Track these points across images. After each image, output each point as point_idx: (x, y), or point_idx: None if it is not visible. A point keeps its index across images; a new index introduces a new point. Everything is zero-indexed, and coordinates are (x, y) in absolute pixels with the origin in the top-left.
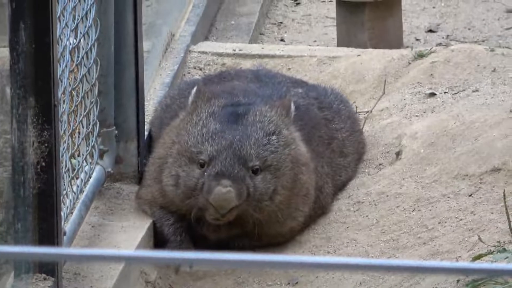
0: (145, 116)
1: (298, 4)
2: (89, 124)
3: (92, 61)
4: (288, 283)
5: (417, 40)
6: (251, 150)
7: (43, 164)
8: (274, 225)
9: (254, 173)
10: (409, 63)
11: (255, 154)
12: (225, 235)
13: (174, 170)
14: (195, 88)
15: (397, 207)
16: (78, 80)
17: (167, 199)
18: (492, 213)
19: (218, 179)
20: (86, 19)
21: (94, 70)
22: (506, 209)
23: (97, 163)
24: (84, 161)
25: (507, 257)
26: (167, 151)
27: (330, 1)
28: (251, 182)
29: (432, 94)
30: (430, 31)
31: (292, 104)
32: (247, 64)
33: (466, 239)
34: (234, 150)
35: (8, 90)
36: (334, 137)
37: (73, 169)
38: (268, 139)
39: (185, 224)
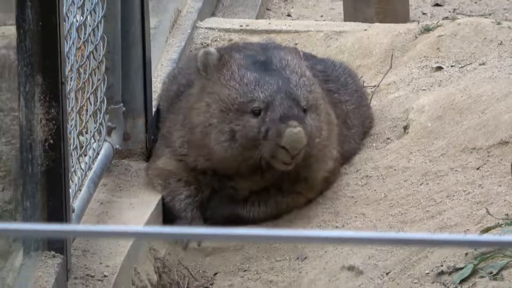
0: (152, 92)
1: None
2: (97, 101)
3: (99, 38)
4: (297, 258)
5: (423, 14)
6: (298, 92)
7: (51, 141)
8: (316, 166)
9: (304, 113)
10: (416, 37)
11: (302, 95)
12: (257, 187)
13: (226, 127)
14: (201, 51)
15: (405, 181)
16: (85, 57)
17: (215, 160)
18: (500, 186)
19: (285, 121)
20: None
21: (101, 47)
22: None
23: (105, 140)
24: (92, 138)
25: None
26: (205, 116)
27: None
28: (307, 121)
29: (439, 68)
30: (437, 5)
31: (298, 50)
32: (254, 40)
33: (474, 213)
34: (286, 93)
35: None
36: (337, 107)
37: (81, 146)
38: (303, 81)
39: (197, 200)
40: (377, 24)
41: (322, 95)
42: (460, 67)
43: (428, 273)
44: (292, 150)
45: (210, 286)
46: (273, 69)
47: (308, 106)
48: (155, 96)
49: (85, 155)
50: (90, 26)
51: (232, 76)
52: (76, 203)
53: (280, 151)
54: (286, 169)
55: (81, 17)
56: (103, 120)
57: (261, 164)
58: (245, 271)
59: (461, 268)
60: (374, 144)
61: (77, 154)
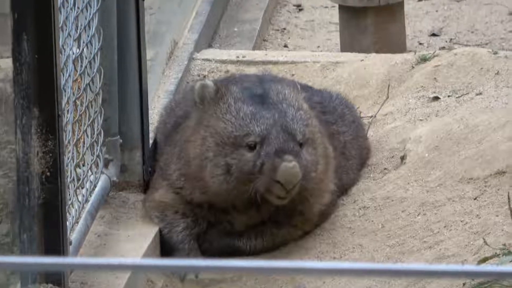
0: (149, 124)
1: (301, 10)
2: (94, 133)
3: (95, 70)
4: None
5: (420, 44)
6: (294, 126)
7: (48, 174)
8: (312, 200)
9: (300, 147)
10: (413, 67)
11: (298, 129)
12: (253, 222)
13: (222, 161)
14: (198, 84)
15: (403, 211)
16: (82, 89)
17: (211, 193)
18: (497, 216)
19: (280, 155)
20: (89, 28)
21: (98, 79)
22: (511, 211)
23: (102, 172)
24: (89, 171)
25: None
26: (201, 149)
27: (333, 7)
28: (303, 155)
29: (436, 98)
30: (433, 35)
31: (296, 83)
32: (250, 71)
33: (471, 243)
34: (282, 127)
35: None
36: (335, 139)
37: (78, 179)
38: (300, 114)
39: (194, 232)
40: (374, 54)
41: (319, 129)
42: (457, 97)
43: None
44: (287, 185)
45: None
46: (269, 103)
47: (304, 140)
48: (152, 128)
49: (82, 188)
50: (86, 58)
51: (228, 110)
52: (73, 236)
53: (275, 186)
54: (281, 203)
55: (78, 50)
56: (100, 152)
57: (256, 198)
58: None
59: None
60: (371, 175)
61: (74, 186)
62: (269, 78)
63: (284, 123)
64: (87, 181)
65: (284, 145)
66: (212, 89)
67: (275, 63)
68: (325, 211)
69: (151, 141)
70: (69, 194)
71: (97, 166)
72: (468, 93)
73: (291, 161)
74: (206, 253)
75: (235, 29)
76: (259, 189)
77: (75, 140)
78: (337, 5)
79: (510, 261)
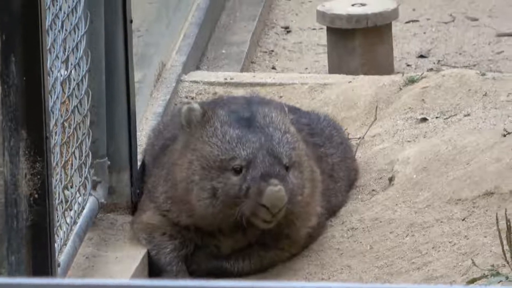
0: (137, 146)
1: (289, 32)
2: (82, 155)
3: (83, 92)
4: None
5: (408, 65)
6: (280, 149)
7: (36, 196)
8: (298, 223)
9: (286, 171)
10: (400, 89)
11: (284, 152)
12: (240, 245)
13: (208, 184)
14: (185, 107)
15: (391, 232)
16: (70, 111)
17: (197, 217)
18: (486, 237)
19: (266, 179)
20: (77, 50)
21: (86, 101)
22: (499, 232)
23: (90, 194)
24: (77, 193)
25: (500, 281)
26: (187, 172)
27: (320, 29)
28: (289, 179)
29: (424, 119)
30: (421, 56)
31: (284, 105)
32: (238, 93)
33: (460, 264)
34: (267, 151)
35: None
36: (323, 161)
37: (66, 201)
38: (286, 138)
39: (182, 254)
40: (362, 76)
41: (306, 152)
42: (445, 118)
43: None
44: (273, 209)
45: None
46: (256, 126)
47: (291, 164)
48: (140, 149)
49: (70, 209)
50: (74, 80)
51: (215, 133)
52: (61, 258)
53: (260, 209)
54: (267, 227)
55: (66, 72)
56: (88, 174)
57: (242, 222)
58: None
59: None
60: (359, 196)
61: (62, 208)
62: (257, 100)
63: (270, 147)
64: (75, 203)
65: (270, 169)
66: (198, 112)
67: (263, 85)
68: (313, 233)
69: (139, 163)
70: (57, 216)
71: (85, 188)
72: (456, 115)
73: (277, 185)
74: (194, 274)
75: (223, 51)
76: (245, 213)
77: (63, 162)
78: (325, 27)
79: (498, 282)
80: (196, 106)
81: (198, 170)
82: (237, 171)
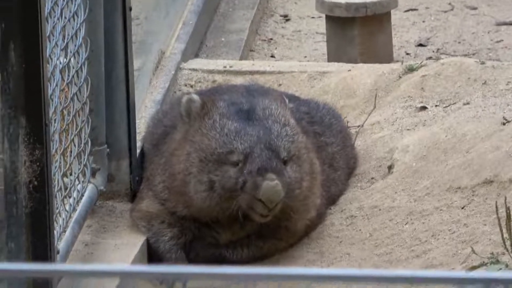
0: (136, 134)
1: (288, 20)
2: (81, 143)
3: (82, 80)
4: None
5: (407, 54)
6: (279, 143)
7: (35, 183)
8: (297, 216)
9: (284, 164)
10: (400, 77)
11: (283, 146)
12: (238, 237)
13: (205, 177)
14: (185, 97)
15: (390, 220)
16: (69, 99)
17: (194, 208)
18: (485, 225)
19: (262, 174)
20: (76, 38)
21: (85, 89)
22: (499, 220)
23: (89, 182)
24: (77, 180)
25: (500, 269)
26: (185, 164)
27: (319, 17)
28: (286, 173)
29: (423, 108)
30: (420, 45)
31: (284, 97)
32: (237, 81)
33: (459, 252)
34: (265, 145)
35: None
36: (323, 150)
37: (66, 188)
38: (286, 131)
39: (181, 241)
40: (361, 64)
41: (306, 144)
42: (444, 107)
43: None
44: (269, 203)
45: None
46: (255, 119)
47: (289, 157)
48: (139, 137)
49: (69, 197)
50: (73, 68)
51: (213, 126)
52: (60, 245)
53: (257, 204)
54: (264, 221)
55: (65, 59)
56: (87, 162)
57: (238, 215)
58: None
59: None
60: (359, 184)
61: (61, 195)
62: (256, 88)
63: (268, 140)
64: (74, 190)
65: (267, 163)
66: (198, 103)
67: (262, 73)
68: (312, 223)
69: (138, 151)
70: (57, 203)
71: (84, 175)
72: (455, 103)
73: (273, 180)
74: (193, 262)
75: (222, 39)
76: (241, 206)
77: (62, 150)
78: (324, 15)
79: (498, 270)
80: (195, 97)
81: (196, 162)
82: (235, 164)
